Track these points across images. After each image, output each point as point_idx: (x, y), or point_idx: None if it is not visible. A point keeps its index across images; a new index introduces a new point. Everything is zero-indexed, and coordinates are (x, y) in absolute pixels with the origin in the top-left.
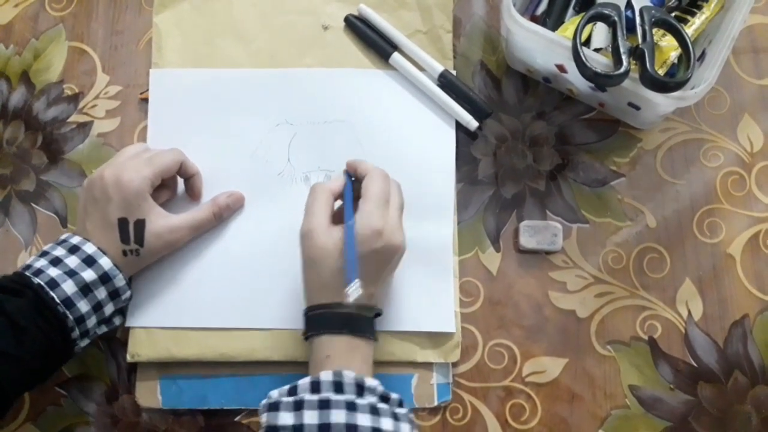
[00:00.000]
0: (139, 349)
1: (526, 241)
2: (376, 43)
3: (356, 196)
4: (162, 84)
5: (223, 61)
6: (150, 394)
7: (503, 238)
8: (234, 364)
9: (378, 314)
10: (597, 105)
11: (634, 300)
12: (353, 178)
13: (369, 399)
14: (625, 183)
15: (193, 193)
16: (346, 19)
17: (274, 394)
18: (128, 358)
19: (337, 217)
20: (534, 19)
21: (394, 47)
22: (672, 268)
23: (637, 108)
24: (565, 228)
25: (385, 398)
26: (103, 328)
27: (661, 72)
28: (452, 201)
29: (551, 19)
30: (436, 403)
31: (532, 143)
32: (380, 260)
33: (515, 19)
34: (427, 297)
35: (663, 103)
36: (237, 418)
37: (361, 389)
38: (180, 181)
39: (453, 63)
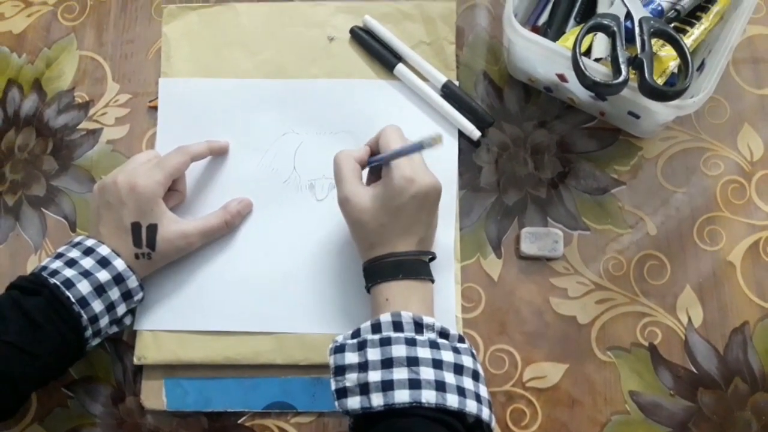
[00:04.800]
0: (146, 351)
1: (528, 247)
2: (380, 55)
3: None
4: (171, 93)
5: (231, 72)
6: (155, 396)
7: (505, 244)
8: (238, 367)
9: (432, 258)
10: (598, 114)
11: (634, 306)
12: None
13: (428, 335)
14: (625, 191)
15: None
16: (352, 31)
17: (340, 338)
18: (135, 360)
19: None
20: (535, 29)
21: (399, 58)
22: (672, 275)
23: (637, 117)
24: (566, 235)
25: (444, 334)
26: (114, 328)
27: (660, 81)
28: (454, 207)
29: (552, 30)
30: None
31: (534, 151)
32: (420, 205)
33: (517, 30)
34: None
35: (662, 111)
36: (241, 420)
37: (420, 327)
38: (190, 190)
39: (456, 73)
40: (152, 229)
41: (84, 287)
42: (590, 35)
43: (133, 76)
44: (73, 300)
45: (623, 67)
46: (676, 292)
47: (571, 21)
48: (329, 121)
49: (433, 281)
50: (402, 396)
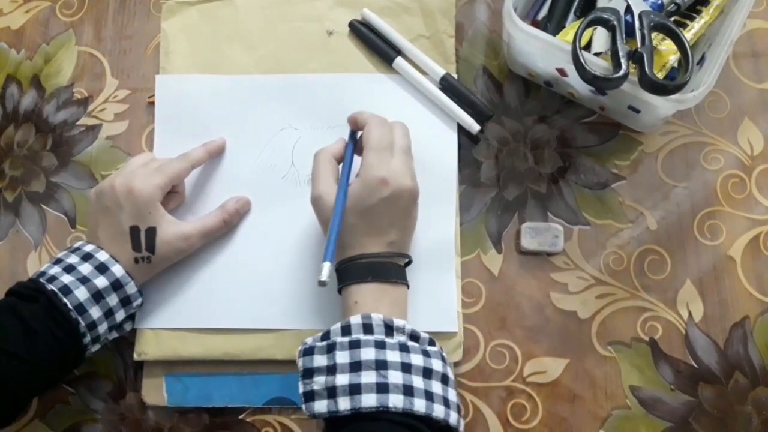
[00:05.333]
0: (146, 347)
1: (528, 242)
2: (379, 48)
3: (361, 150)
4: (168, 89)
5: (230, 67)
6: (156, 392)
7: (505, 239)
8: (239, 362)
9: (409, 262)
10: (598, 108)
11: (634, 301)
12: (359, 135)
13: (398, 338)
14: (625, 185)
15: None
16: (351, 25)
17: (309, 340)
18: (135, 356)
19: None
20: (535, 24)
21: (398, 52)
22: (673, 269)
23: (637, 111)
24: (567, 230)
25: (415, 337)
26: (114, 334)
27: (660, 75)
28: (455, 203)
29: (552, 24)
30: None
31: (534, 146)
32: (392, 207)
33: (516, 24)
34: (429, 297)
35: (662, 105)
36: (241, 416)
37: (390, 329)
38: (189, 188)
39: (455, 67)
40: (151, 232)
41: (81, 294)
42: (590, 29)
43: (132, 71)
44: (70, 307)
45: (623, 61)
46: (677, 287)
47: (571, 15)
48: (327, 115)
49: (407, 285)
50: (369, 400)
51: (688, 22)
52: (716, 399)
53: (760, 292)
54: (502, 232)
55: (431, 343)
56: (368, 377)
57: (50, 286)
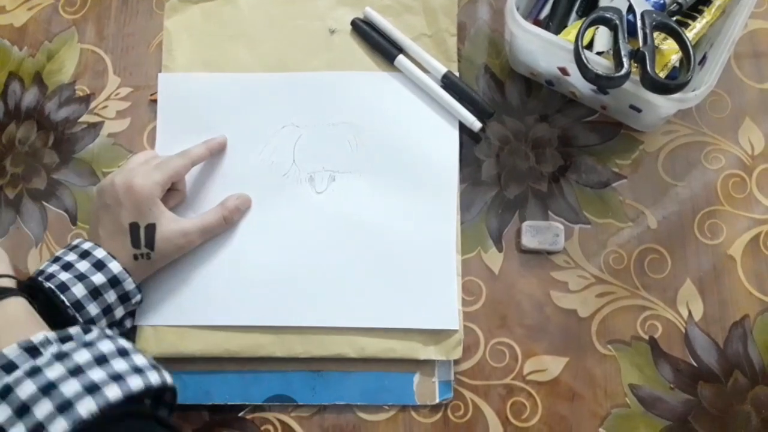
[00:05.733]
0: (146, 344)
1: (528, 241)
2: (381, 46)
3: None
4: (170, 87)
5: (232, 65)
6: None
7: (505, 238)
8: (239, 360)
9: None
10: (599, 108)
11: (634, 300)
12: None
13: (50, 351)
14: (626, 184)
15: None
16: (353, 23)
17: None
18: None
19: None
20: (537, 23)
21: (400, 50)
22: (673, 268)
23: (639, 110)
24: (567, 228)
25: (66, 338)
26: (115, 331)
27: (662, 75)
28: (455, 201)
29: (554, 23)
30: (437, 401)
31: (535, 145)
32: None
33: (518, 23)
34: (429, 295)
35: (664, 105)
36: (241, 414)
37: (34, 350)
38: (189, 185)
39: (457, 66)
40: (150, 228)
41: (78, 291)
42: (592, 28)
43: (134, 69)
44: (67, 303)
45: (625, 61)
46: (677, 286)
47: (573, 14)
48: (329, 113)
49: (4, 296)
50: (59, 427)
51: (690, 21)
52: (715, 398)
53: (760, 291)
54: (503, 231)
55: (87, 331)
56: (44, 407)
57: (48, 284)
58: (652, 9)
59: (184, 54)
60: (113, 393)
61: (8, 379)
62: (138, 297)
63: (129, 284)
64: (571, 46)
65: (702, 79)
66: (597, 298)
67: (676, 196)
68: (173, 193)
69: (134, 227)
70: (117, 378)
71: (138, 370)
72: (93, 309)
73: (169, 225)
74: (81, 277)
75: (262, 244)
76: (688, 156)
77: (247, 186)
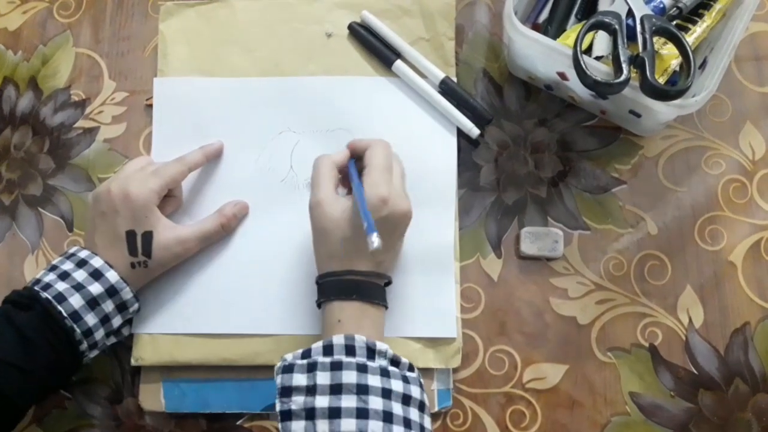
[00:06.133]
0: (143, 353)
1: (527, 247)
2: (379, 51)
3: (360, 169)
4: (166, 92)
5: (228, 69)
6: (153, 398)
7: (504, 244)
8: (236, 368)
9: (388, 283)
10: (598, 112)
11: (634, 307)
12: (355, 159)
13: (380, 362)
14: (626, 190)
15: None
16: (350, 27)
17: (289, 357)
18: (132, 361)
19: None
20: (536, 27)
21: (397, 54)
22: (673, 275)
23: (638, 116)
24: (566, 234)
25: (395, 362)
26: (112, 339)
27: (662, 80)
28: (454, 207)
29: (553, 27)
30: (436, 409)
31: (534, 150)
32: (387, 227)
33: (517, 28)
34: (428, 302)
35: (663, 111)
36: (239, 422)
37: (372, 352)
38: (186, 192)
39: (455, 70)
40: (147, 236)
41: (76, 301)
42: (591, 33)
43: (129, 73)
44: (65, 314)
45: (624, 66)
46: (677, 293)
47: (572, 18)
48: (326, 118)
49: (386, 307)
50: (349, 425)
51: (690, 25)
52: (716, 406)
53: (761, 297)
54: (502, 237)
55: (410, 368)
56: (349, 401)
57: (45, 294)
58: (652, 13)
59: (180, 58)
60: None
61: (345, 359)
62: (135, 306)
63: (127, 293)
64: (570, 52)
65: (702, 83)
66: (597, 305)
67: (676, 201)
68: (170, 200)
69: (131, 235)
70: (407, 424)
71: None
72: (90, 319)
73: (166, 233)
74: (78, 287)
75: (259, 251)
76: (688, 161)
77: (244, 192)
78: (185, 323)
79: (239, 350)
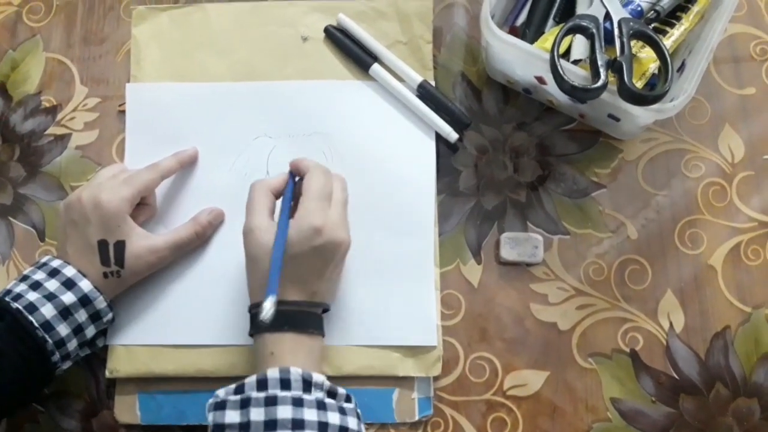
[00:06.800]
0: (118, 364)
1: (507, 253)
2: (355, 54)
3: (298, 195)
4: (139, 98)
5: (202, 74)
6: (129, 410)
7: (484, 250)
8: (213, 379)
9: (326, 310)
10: (577, 116)
11: (615, 312)
12: (297, 178)
13: (316, 394)
14: (606, 194)
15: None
16: (326, 30)
17: (221, 393)
18: (107, 373)
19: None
20: (513, 30)
21: (374, 58)
22: (653, 279)
23: (617, 119)
24: (546, 240)
25: (332, 393)
26: (86, 350)
27: (640, 84)
28: (433, 213)
29: (531, 30)
30: (417, 418)
31: (513, 154)
32: (322, 257)
33: (494, 32)
34: (408, 310)
35: (642, 115)
36: None
37: (308, 385)
38: (160, 199)
39: (433, 74)
40: (120, 246)
41: (48, 311)
42: (569, 36)
43: (102, 78)
44: (36, 325)
45: (602, 71)
46: (658, 297)
47: (550, 20)
48: (303, 123)
49: (323, 335)
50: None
51: (668, 28)
52: (697, 411)
53: (740, 301)
54: (482, 243)
55: (348, 399)
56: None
57: (15, 305)
58: (630, 17)
59: (153, 63)
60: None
61: (280, 393)
62: (110, 315)
63: (100, 303)
64: (548, 56)
65: (681, 86)
66: (577, 311)
67: (656, 205)
68: (143, 208)
69: (103, 244)
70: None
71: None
72: (63, 329)
73: (140, 242)
74: (50, 297)
75: (235, 259)
76: (668, 164)
77: (219, 200)
78: (161, 334)
79: (216, 361)
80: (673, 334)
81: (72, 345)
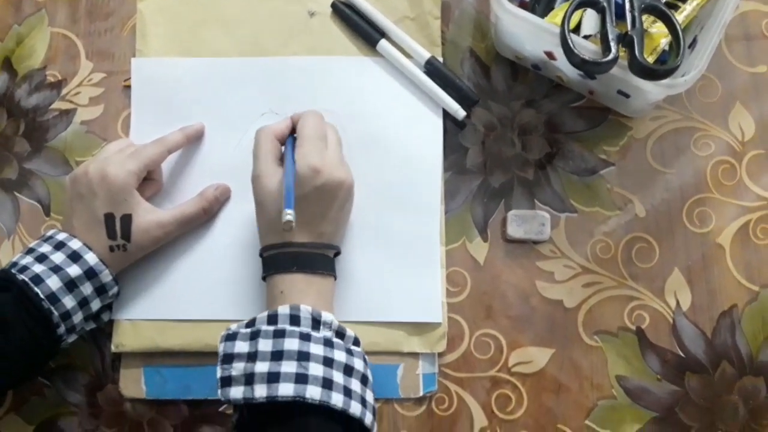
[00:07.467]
0: (124, 339)
1: (514, 230)
2: (363, 30)
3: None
4: (144, 73)
5: (208, 49)
6: (134, 384)
7: (491, 227)
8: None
9: (337, 253)
10: (587, 93)
11: (622, 290)
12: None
13: (324, 333)
14: (614, 172)
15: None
16: (333, 5)
17: (233, 326)
18: (113, 348)
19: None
20: (524, 5)
21: (382, 34)
22: (661, 257)
23: (627, 96)
24: (553, 217)
25: (341, 334)
26: (91, 324)
27: (651, 59)
28: (439, 190)
29: (541, 5)
30: (421, 394)
31: (521, 131)
32: (324, 197)
33: (503, 6)
34: (413, 287)
35: (652, 90)
36: (221, 408)
37: (317, 323)
38: (166, 174)
39: (441, 50)
40: (126, 219)
41: (53, 283)
42: (579, 11)
43: (107, 53)
44: (42, 296)
45: (613, 45)
46: (665, 275)
47: None
48: (309, 99)
49: (334, 277)
50: (286, 390)
51: (680, 3)
52: (703, 389)
53: (748, 280)
54: (488, 220)
55: (356, 342)
56: (288, 367)
57: (21, 276)
58: None
59: (159, 38)
60: None
61: (288, 327)
62: (115, 289)
63: (106, 276)
64: (558, 30)
65: (692, 63)
66: (583, 288)
67: (664, 183)
68: (149, 183)
69: (109, 218)
70: (348, 393)
71: (364, 403)
72: (68, 302)
73: (146, 216)
74: (56, 269)
75: (241, 235)
76: (677, 142)
77: (226, 175)
78: (166, 309)
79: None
80: (679, 312)
81: (77, 317)
